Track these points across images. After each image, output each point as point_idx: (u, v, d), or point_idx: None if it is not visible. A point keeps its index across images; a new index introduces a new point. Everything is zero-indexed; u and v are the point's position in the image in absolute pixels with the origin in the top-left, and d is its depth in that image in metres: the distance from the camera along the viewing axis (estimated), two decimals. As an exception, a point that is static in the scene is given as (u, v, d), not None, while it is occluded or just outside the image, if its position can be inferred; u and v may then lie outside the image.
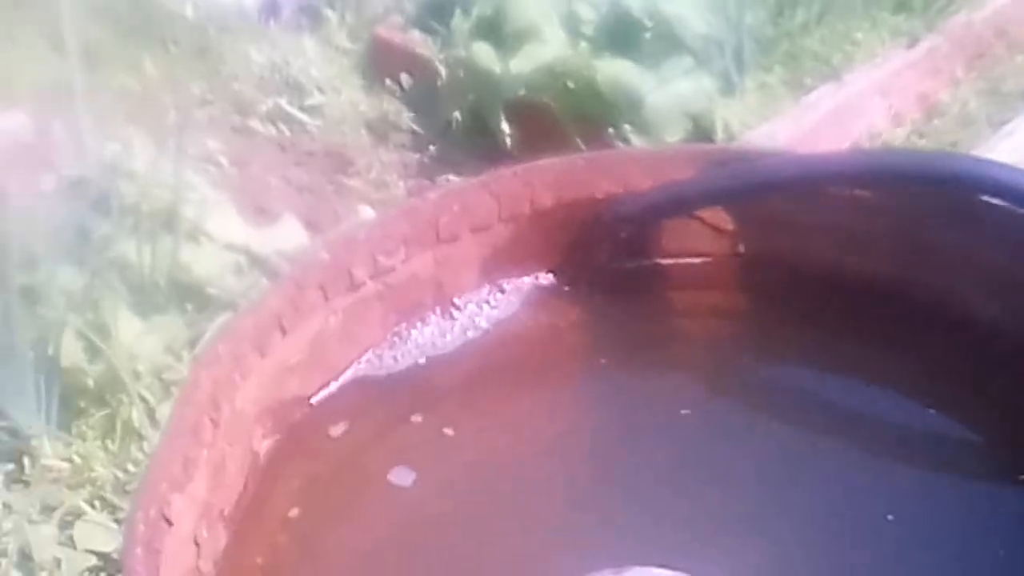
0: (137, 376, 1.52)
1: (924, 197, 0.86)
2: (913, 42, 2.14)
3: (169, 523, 0.68)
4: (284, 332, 0.80)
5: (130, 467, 1.47)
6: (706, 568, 0.70)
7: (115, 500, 1.44)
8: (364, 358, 0.85)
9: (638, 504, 0.78)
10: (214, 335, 0.92)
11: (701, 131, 1.95)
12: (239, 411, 0.76)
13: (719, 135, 1.94)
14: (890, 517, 0.76)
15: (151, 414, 1.51)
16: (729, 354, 0.89)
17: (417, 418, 0.83)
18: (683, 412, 0.84)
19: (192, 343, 1.57)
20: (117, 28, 2.13)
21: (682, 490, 0.79)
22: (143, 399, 1.51)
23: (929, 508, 0.78)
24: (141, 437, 1.49)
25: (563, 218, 0.90)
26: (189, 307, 1.61)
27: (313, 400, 0.83)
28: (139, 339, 1.55)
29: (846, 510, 0.77)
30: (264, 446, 0.79)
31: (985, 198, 0.83)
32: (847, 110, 2.02)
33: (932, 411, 0.83)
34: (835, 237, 0.89)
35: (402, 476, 0.79)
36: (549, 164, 0.90)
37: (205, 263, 1.64)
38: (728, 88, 2.01)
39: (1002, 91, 2.07)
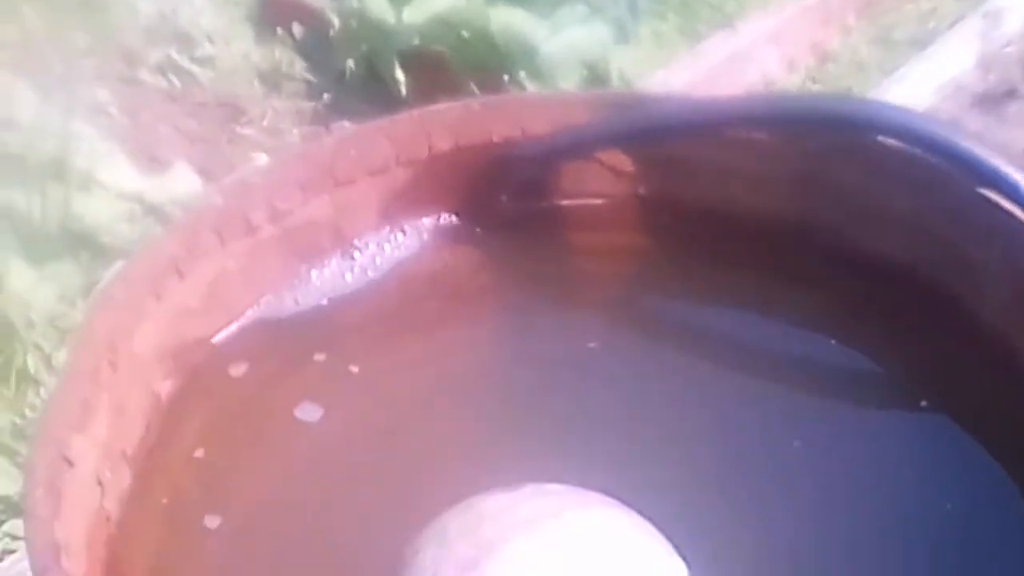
0: (31, 324, 1.51)
1: (821, 139, 0.87)
2: (805, -10, 2.16)
3: (70, 463, 0.67)
4: (181, 275, 0.79)
5: (27, 412, 1.45)
6: (613, 487, 0.71)
7: (13, 445, 1.43)
8: (264, 300, 0.84)
9: (544, 432, 0.78)
10: (108, 279, 0.91)
11: (596, 79, 1.96)
12: (137, 354, 0.75)
13: (614, 82, 1.95)
14: (796, 443, 0.77)
15: (47, 361, 1.49)
16: (632, 292, 0.90)
17: (320, 356, 0.82)
18: (588, 346, 0.84)
19: (87, 291, 1.55)
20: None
21: (588, 419, 0.80)
22: (38, 347, 1.49)
23: (835, 435, 0.79)
24: (38, 383, 1.48)
25: (461, 161, 0.89)
26: (83, 255, 1.59)
27: (214, 341, 0.82)
28: (32, 287, 1.53)
29: (752, 435, 0.79)
30: (165, 387, 0.78)
31: (882, 139, 0.84)
32: (741, 57, 2.04)
33: (834, 343, 0.84)
34: (734, 178, 0.90)
35: (308, 412, 0.79)
36: (446, 108, 0.90)
37: (98, 212, 1.62)
38: (622, 36, 2.02)
39: (893, 38, 2.10)
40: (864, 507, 0.75)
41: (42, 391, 1.45)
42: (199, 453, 0.76)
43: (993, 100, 1.80)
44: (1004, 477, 0.74)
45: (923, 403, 0.80)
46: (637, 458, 0.77)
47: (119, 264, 1.49)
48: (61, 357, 1.47)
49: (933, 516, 0.74)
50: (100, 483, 0.69)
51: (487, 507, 0.68)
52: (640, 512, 0.69)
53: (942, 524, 0.74)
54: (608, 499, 0.70)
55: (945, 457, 0.77)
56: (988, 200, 0.81)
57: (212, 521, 0.72)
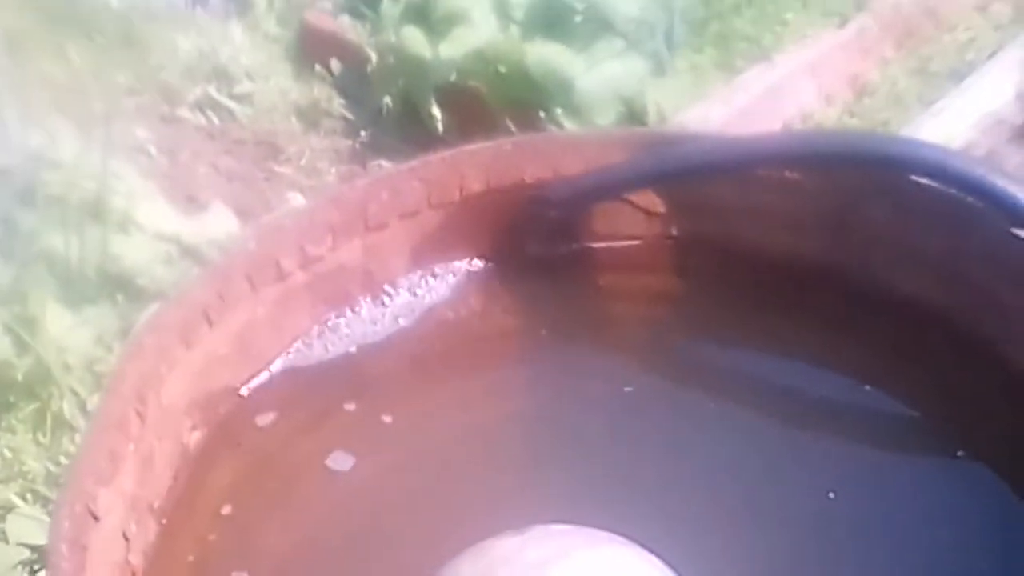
0: (67, 368, 1.51)
1: (854, 178, 0.86)
2: (843, 22, 2.15)
3: (96, 518, 0.67)
4: (211, 323, 0.79)
5: (62, 459, 1.45)
6: (641, 531, 0.70)
7: (47, 493, 1.43)
8: (293, 348, 0.84)
9: (576, 478, 0.78)
10: (140, 326, 0.91)
11: (633, 113, 1.95)
12: (166, 404, 0.75)
13: (651, 117, 1.94)
14: (831, 495, 0.76)
15: (82, 406, 1.49)
16: (663, 336, 0.89)
17: (351, 406, 0.82)
18: (622, 391, 0.84)
19: (123, 334, 1.55)
20: (40, 17, 2.10)
21: (619, 464, 0.79)
22: (74, 391, 1.49)
23: (869, 485, 0.78)
24: (73, 429, 1.48)
25: (493, 203, 0.89)
26: (120, 298, 1.60)
27: (242, 391, 0.82)
28: (69, 331, 1.53)
29: (786, 486, 0.78)
30: (193, 438, 0.78)
31: (915, 179, 0.83)
32: (778, 91, 2.03)
33: (868, 388, 0.83)
34: (767, 219, 0.89)
35: (340, 461, 0.78)
36: (478, 149, 0.90)
37: (135, 253, 1.62)
38: (659, 70, 2.01)
39: (930, 70, 2.09)
40: (899, 561, 0.73)
41: (77, 438, 1.45)
42: (227, 510, 0.75)
43: (1033, 133, 1.79)
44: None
45: (960, 453, 0.79)
46: (666, 503, 0.76)
47: (152, 309, 1.51)
48: (96, 402, 1.47)
49: (970, 569, 0.72)
50: (126, 537, 0.69)
51: (496, 552, 0.68)
52: (664, 557, 0.68)
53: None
54: (616, 538, 0.69)
55: (982, 508, 0.76)
56: (1022, 241, 0.80)
57: (240, 577, 0.72)
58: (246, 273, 0.82)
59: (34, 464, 1.45)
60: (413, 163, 0.89)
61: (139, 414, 0.72)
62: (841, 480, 0.77)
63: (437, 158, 0.89)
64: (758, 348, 0.87)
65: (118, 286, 1.60)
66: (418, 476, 0.79)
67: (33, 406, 1.50)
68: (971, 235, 0.83)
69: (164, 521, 0.73)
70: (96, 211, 1.63)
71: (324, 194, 0.91)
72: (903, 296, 0.85)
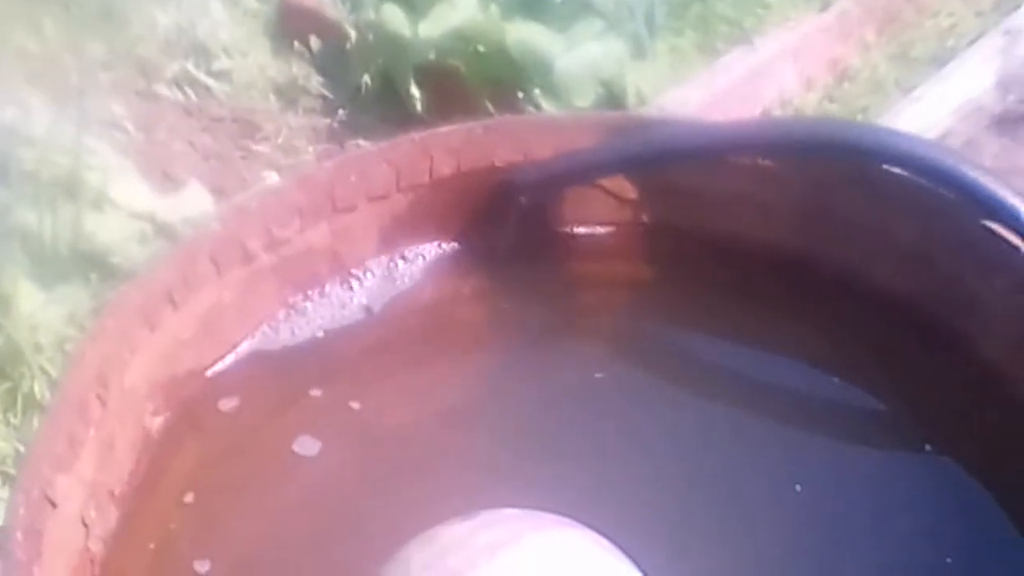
0: (39, 348, 1.50)
1: (827, 167, 0.86)
2: (824, 6, 2.14)
3: (53, 504, 0.66)
4: (175, 306, 0.78)
5: (32, 441, 1.44)
6: (602, 517, 0.69)
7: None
8: (259, 331, 0.84)
9: (544, 464, 0.77)
10: (102, 308, 0.90)
11: (612, 95, 1.94)
12: (128, 387, 0.74)
13: (630, 99, 1.93)
14: (798, 487, 0.76)
15: (53, 386, 1.48)
16: (634, 323, 0.89)
17: (317, 392, 0.81)
18: (591, 377, 0.83)
19: (96, 313, 1.54)
20: (15, -12, 2.08)
21: (587, 450, 0.78)
22: (45, 371, 1.48)
23: (836, 477, 0.78)
24: (44, 410, 1.47)
25: (463, 187, 0.88)
26: (93, 277, 1.58)
27: (207, 374, 0.81)
28: (41, 310, 1.52)
29: (753, 477, 0.77)
30: (156, 423, 0.77)
31: (887, 168, 0.82)
32: (759, 75, 2.02)
33: (836, 380, 0.83)
34: (739, 206, 0.88)
35: (307, 446, 0.78)
36: (448, 132, 0.89)
37: (109, 231, 1.61)
38: (639, 52, 2.00)
39: (911, 56, 2.08)
40: (866, 554, 0.73)
41: (48, 418, 1.45)
42: (189, 498, 0.75)
43: (1011, 121, 1.78)
44: (1007, 523, 0.73)
45: (927, 447, 0.78)
46: (631, 492, 0.76)
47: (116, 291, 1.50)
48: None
49: (936, 564, 0.72)
50: (85, 523, 0.68)
51: (446, 538, 0.67)
52: (625, 545, 0.68)
53: (945, 572, 0.72)
54: (565, 520, 0.69)
55: (949, 500, 0.75)
56: (993, 233, 0.80)
57: (202, 566, 0.71)
58: (211, 255, 0.81)
59: (4, 445, 1.44)
60: (382, 145, 0.88)
61: (100, 398, 0.71)
62: (808, 472, 0.77)
63: (407, 140, 0.88)
64: (727, 337, 0.87)
65: (91, 264, 1.58)
66: (385, 462, 0.79)
67: (4, 386, 1.49)
68: (942, 226, 0.82)
69: (125, 508, 0.72)
70: (70, 188, 1.61)
71: (292, 175, 0.89)
72: (873, 286, 0.85)
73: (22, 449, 1.43)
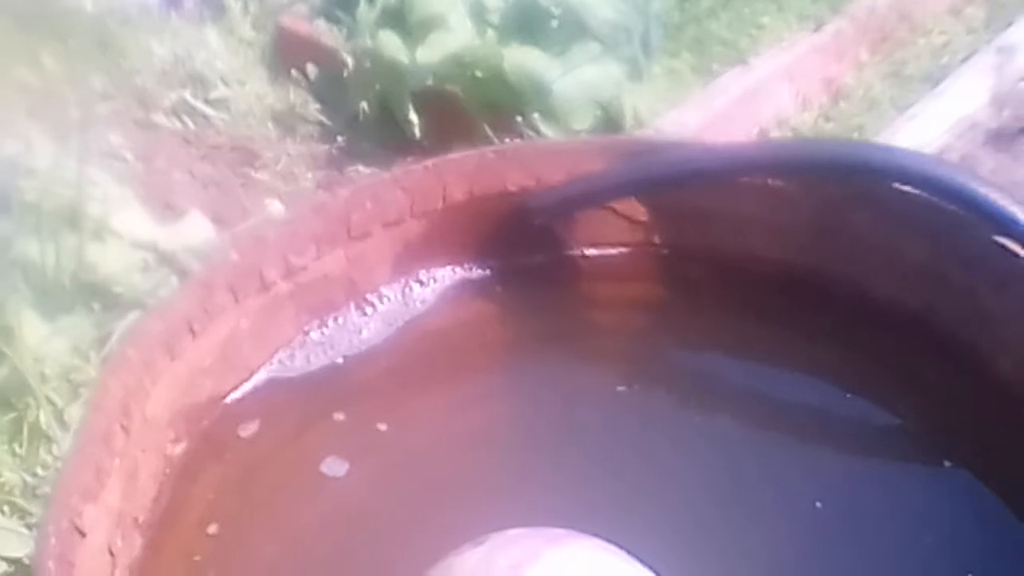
0: (44, 379, 1.49)
1: (837, 186, 0.87)
2: (819, 26, 2.15)
3: (82, 534, 0.66)
4: (194, 334, 0.79)
5: (39, 471, 1.44)
6: (623, 535, 0.70)
7: (25, 505, 1.41)
8: (277, 358, 0.84)
9: (564, 482, 0.78)
10: (123, 338, 0.90)
11: (610, 118, 1.95)
12: (151, 416, 0.75)
13: (628, 122, 1.94)
14: (818, 504, 0.76)
15: (59, 416, 1.47)
16: (649, 344, 0.89)
17: (340, 415, 0.82)
18: (605, 398, 0.84)
19: (100, 343, 1.54)
20: (13, 21, 2.09)
21: (605, 469, 0.79)
22: (50, 401, 1.47)
23: (856, 494, 0.78)
24: (50, 440, 1.46)
25: (476, 212, 0.89)
26: (96, 307, 1.58)
27: (226, 402, 0.81)
28: (45, 341, 1.52)
29: (773, 495, 0.78)
30: (177, 450, 0.78)
31: (897, 186, 0.83)
32: (755, 95, 2.03)
33: (852, 396, 0.83)
34: (750, 226, 0.89)
35: (335, 467, 0.78)
36: (460, 158, 0.90)
37: (111, 261, 1.61)
38: (636, 74, 2.01)
39: (905, 74, 2.09)
40: (886, 570, 0.73)
41: (55, 448, 1.44)
42: (213, 529, 0.75)
43: (1007, 137, 1.79)
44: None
45: (946, 462, 0.79)
46: (651, 511, 0.76)
47: (133, 317, 1.50)
48: (74, 413, 1.45)
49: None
50: (111, 552, 0.69)
51: (463, 566, 0.68)
52: (641, 559, 0.68)
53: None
54: (576, 534, 0.69)
55: (969, 516, 0.76)
56: (1005, 248, 0.80)
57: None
58: (229, 284, 0.81)
59: (11, 475, 1.43)
60: (396, 172, 0.89)
61: (124, 428, 0.72)
62: (828, 489, 0.77)
63: (420, 167, 0.89)
64: (740, 356, 0.87)
65: (94, 294, 1.58)
66: (412, 483, 0.79)
67: (9, 416, 1.48)
68: (953, 242, 0.83)
69: (149, 535, 0.73)
70: (72, 218, 1.61)
71: (306, 204, 0.90)
72: (886, 303, 0.85)
73: (29, 479, 1.43)
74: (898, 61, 2.13)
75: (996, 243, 0.81)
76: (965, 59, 2.03)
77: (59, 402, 1.48)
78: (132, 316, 1.51)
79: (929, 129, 1.78)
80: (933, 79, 2.01)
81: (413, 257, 0.89)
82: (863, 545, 0.74)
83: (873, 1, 2.18)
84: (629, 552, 0.69)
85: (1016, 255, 0.80)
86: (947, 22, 2.21)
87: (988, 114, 1.84)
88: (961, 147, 1.77)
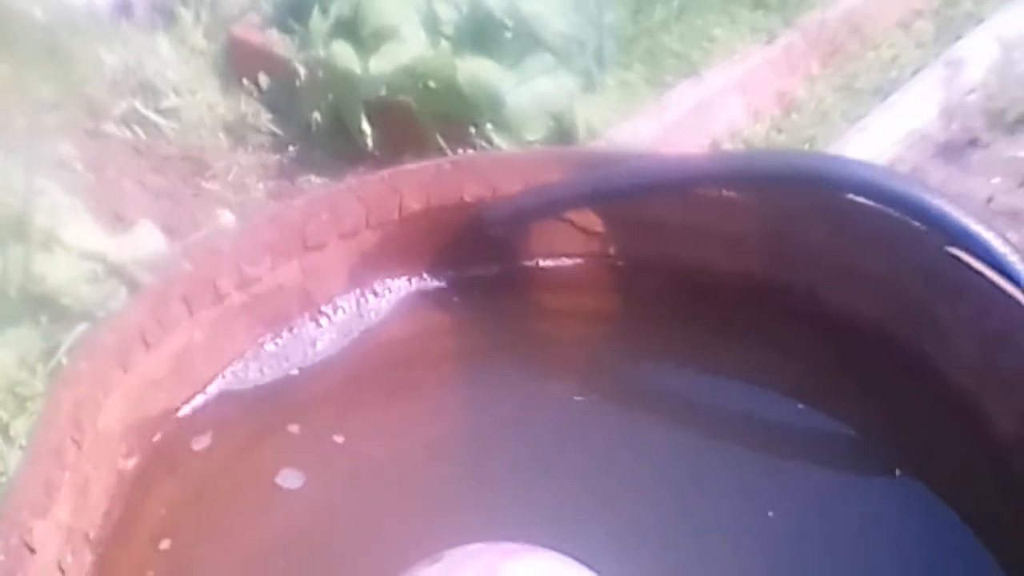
0: (-10, 392, 1.48)
1: (792, 197, 0.87)
2: (770, 39, 2.16)
3: (32, 550, 0.65)
4: (148, 346, 0.78)
5: (-15, 484, 1.42)
6: (580, 547, 0.69)
7: (-30, 519, 1.39)
8: (231, 370, 0.83)
9: (519, 494, 0.77)
10: (71, 350, 0.89)
11: (563, 129, 1.95)
12: (103, 430, 0.74)
13: (581, 133, 1.95)
14: (771, 513, 0.76)
15: (4, 430, 1.46)
16: (603, 355, 0.89)
17: (294, 427, 0.81)
18: (560, 409, 0.84)
19: (47, 355, 1.52)
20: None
21: (560, 480, 0.79)
22: (-4, 414, 1.46)
23: (808, 503, 0.78)
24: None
25: (432, 223, 0.89)
26: (43, 319, 1.56)
27: (179, 415, 0.80)
28: (-9, 353, 1.50)
29: (724, 505, 0.78)
30: (130, 464, 0.77)
31: (852, 198, 0.83)
32: (707, 107, 2.04)
33: (806, 406, 0.83)
34: (705, 237, 0.89)
35: (290, 479, 0.77)
36: (417, 168, 0.89)
37: (59, 273, 1.59)
38: (589, 86, 2.02)
39: (855, 87, 2.11)
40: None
41: (0, 463, 1.42)
42: (165, 544, 0.74)
43: (956, 149, 1.81)
44: (976, 544, 0.74)
45: (897, 471, 0.79)
46: (605, 522, 0.76)
47: (82, 330, 1.48)
48: (19, 426, 1.44)
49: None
50: (61, 569, 0.68)
51: None
52: (598, 571, 0.68)
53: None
54: (531, 547, 0.69)
55: (921, 526, 0.76)
56: (958, 259, 0.80)
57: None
58: (183, 295, 0.80)
59: (-44, 487, 1.42)
60: (351, 182, 0.89)
61: (75, 441, 0.71)
62: (780, 499, 0.77)
63: (376, 177, 0.88)
64: (697, 367, 0.87)
65: (42, 306, 1.57)
66: (370, 494, 0.78)
67: (-45, 429, 1.47)
68: (908, 253, 0.83)
69: (100, 551, 0.71)
70: (19, 229, 1.60)
71: (261, 214, 0.89)
72: (841, 314, 0.86)
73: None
74: (849, 74, 2.15)
75: (949, 254, 0.81)
76: (915, 72, 2.06)
77: (4, 416, 1.46)
78: (80, 328, 1.49)
79: (879, 141, 1.80)
80: (883, 92, 2.03)
81: (368, 268, 0.88)
82: (814, 554, 0.75)
83: (824, 15, 2.19)
84: (586, 564, 0.69)
85: (969, 267, 0.80)
86: (897, 36, 2.23)
87: (937, 127, 1.86)
88: (911, 159, 1.78)
